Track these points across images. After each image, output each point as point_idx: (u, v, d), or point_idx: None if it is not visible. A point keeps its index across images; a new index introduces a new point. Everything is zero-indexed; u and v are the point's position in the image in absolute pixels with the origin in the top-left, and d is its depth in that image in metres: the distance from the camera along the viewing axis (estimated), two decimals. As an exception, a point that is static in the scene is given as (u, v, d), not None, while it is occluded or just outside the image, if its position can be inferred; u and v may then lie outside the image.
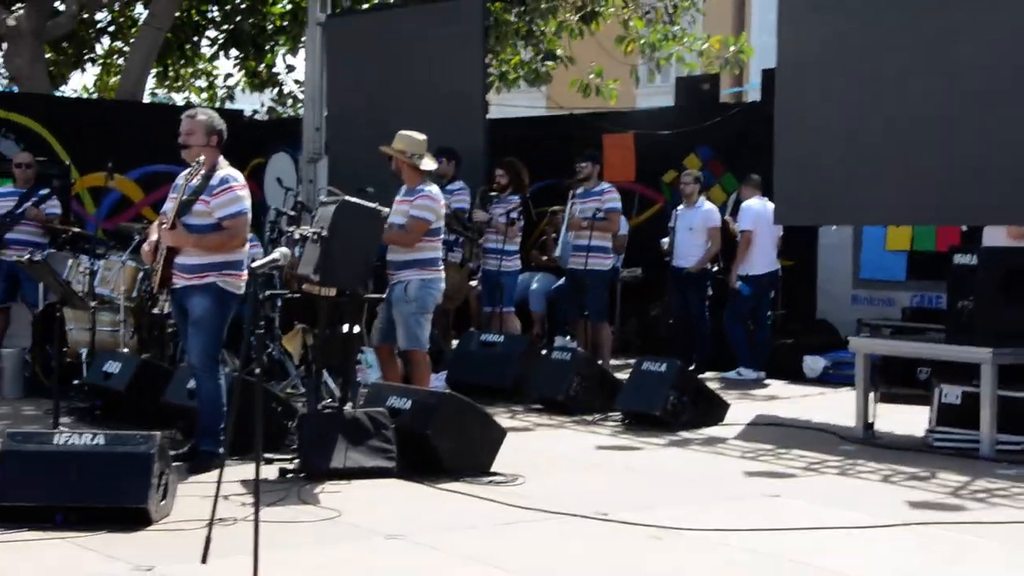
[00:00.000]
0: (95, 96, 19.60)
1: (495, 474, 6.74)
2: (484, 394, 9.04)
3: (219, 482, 4.57)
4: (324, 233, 6.83)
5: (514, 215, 10.82)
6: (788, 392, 10.56)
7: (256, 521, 4.29)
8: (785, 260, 11.58)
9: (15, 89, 15.65)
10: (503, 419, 8.26)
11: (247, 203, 6.73)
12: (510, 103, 21.26)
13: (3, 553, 4.95)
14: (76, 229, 10.38)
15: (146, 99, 16.53)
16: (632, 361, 9.66)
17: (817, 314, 12.26)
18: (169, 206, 6.72)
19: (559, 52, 15.78)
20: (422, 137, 8.31)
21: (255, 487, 4.38)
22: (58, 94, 17.07)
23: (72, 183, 12.83)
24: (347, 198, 7.18)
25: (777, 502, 6.36)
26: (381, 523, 5.63)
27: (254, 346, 4.49)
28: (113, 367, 8.08)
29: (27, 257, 7.09)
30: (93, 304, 7.83)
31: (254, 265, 4.55)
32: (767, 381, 11.05)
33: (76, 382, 8.64)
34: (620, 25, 14.99)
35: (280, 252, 4.64)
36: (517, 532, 5.63)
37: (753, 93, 18.07)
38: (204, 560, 4.34)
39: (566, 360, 9.19)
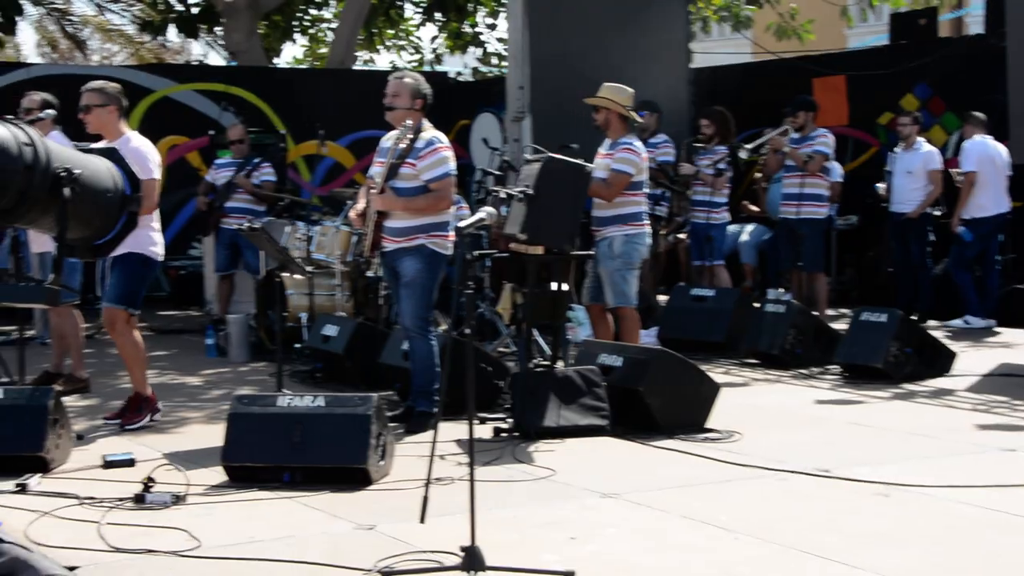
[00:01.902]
0: (307, 66, 20.16)
1: (710, 430, 6.63)
2: (696, 349, 8.92)
3: (434, 442, 4.60)
4: (530, 191, 6.80)
5: (721, 166, 10.58)
6: (1019, 339, 10.01)
7: (472, 480, 4.29)
8: (1016, 201, 10.95)
9: (234, 63, 16.22)
10: (718, 375, 8.12)
11: (453, 164, 6.75)
12: (714, 51, 20.84)
13: (235, 511, 5.13)
14: (291, 196, 10.66)
15: (355, 66, 16.89)
16: (849, 312, 9.34)
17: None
18: (376, 170, 6.81)
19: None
20: (630, 90, 8.19)
21: (469, 446, 4.39)
22: (273, 66, 17.61)
23: (287, 152, 13.21)
24: (552, 155, 7.13)
25: (1014, 456, 6.03)
26: (596, 481, 5.59)
27: (463, 306, 4.48)
28: (331, 330, 8.28)
29: (246, 225, 7.30)
30: (310, 269, 8.03)
31: (460, 225, 4.54)
32: (997, 329, 10.50)
33: (297, 346, 8.91)
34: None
35: (486, 211, 4.62)
36: (734, 490, 5.51)
37: (975, 25, 17.18)
38: (422, 520, 4.38)
39: (781, 312, 8.95)
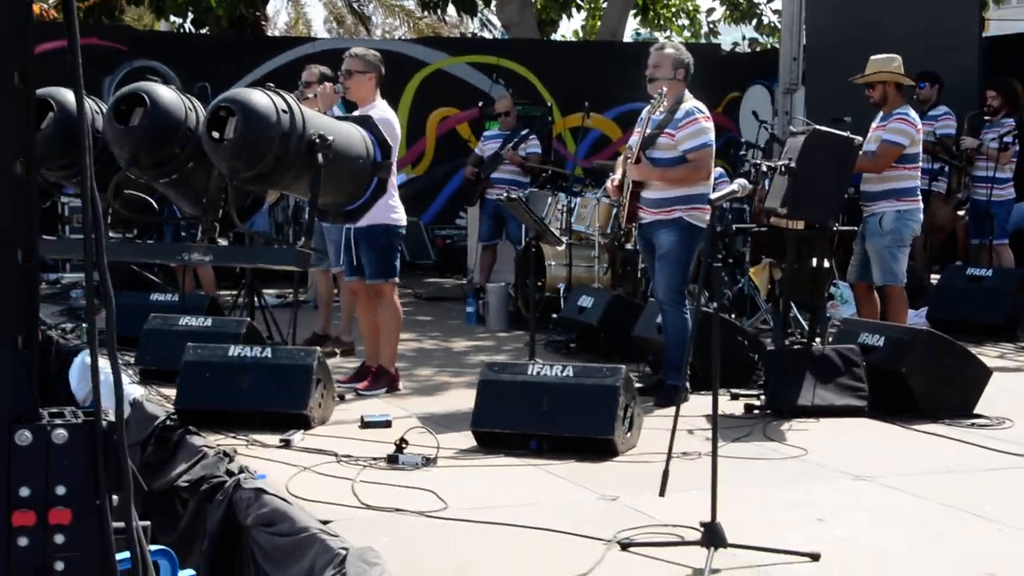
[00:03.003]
0: (579, 40, 20.30)
1: (978, 416, 6.30)
2: (970, 332, 8.49)
3: (676, 416, 4.54)
4: (792, 164, 6.61)
5: (1008, 139, 9.99)
6: None
7: (714, 455, 4.23)
8: None
9: (506, 37, 16.51)
10: (991, 359, 7.70)
11: (711, 135, 6.64)
12: (1013, 18, 19.70)
13: (481, 475, 5.24)
14: (554, 168, 10.76)
15: (628, 39, 16.87)
16: None
17: None
18: (634, 140, 6.77)
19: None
20: (897, 57, 7.84)
21: (713, 420, 4.32)
22: (546, 39, 17.80)
23: (553, 124, 13.34)
24: (818, 127, 6.90)
25: None
26: (849, 463, 5.41)
27: (713, 279, 4.40)
28: (587, 302, 8.32)
29: (505, 195, 7.41)
30: (567, 240, 8.09)
31: (712, 197, 4.45)
32: None
33: (555, 316, 9.00)
34: None
35: (738, 183, 4.51)
36: (1001, 479, 5.22)
37: None
38: (662, 493, 4.33)
39: (1066, 295, 8.40)
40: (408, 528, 4.45)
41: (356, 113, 6.64)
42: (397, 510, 4.62)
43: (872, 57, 7.90)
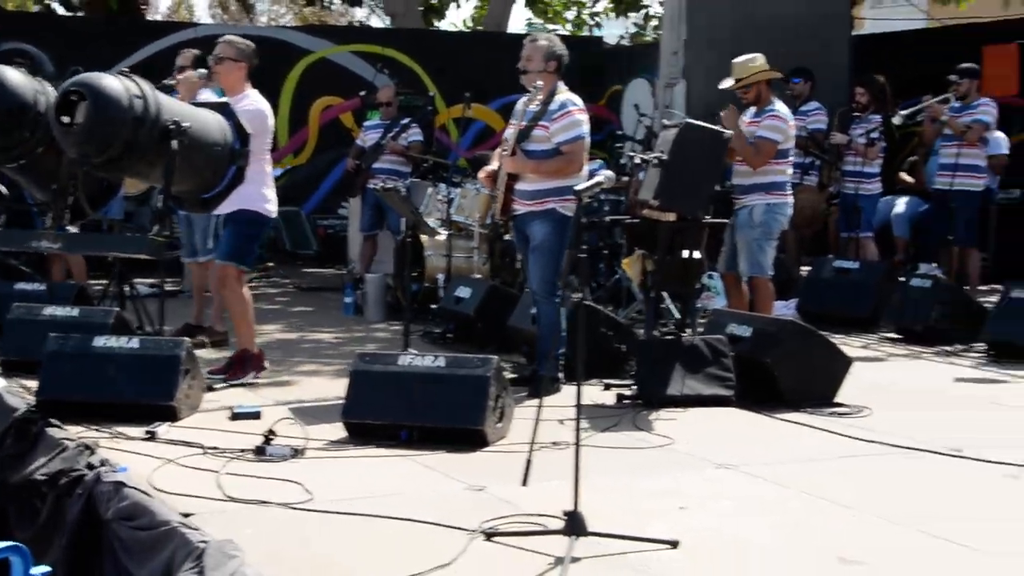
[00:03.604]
0: (465, 30, 20.29)
1: (839, 405, 6.47)
2: (837, 323, 8.72)
3: (539, 405, 4.59)
4: (665, 157, 6.71)
5: (874, 135, 10.27)
6: None
7: (577, 445, 4.27)
8: None
9: (392, 26, 16.42)
10: (855, 350, 7.92)
11: (586, 128, 6.70)
12: (887, 17, 20.22)
13: (350, 466, 5.22)
14: (435, 158, 10.76)
15: (521, 30, 16.91)
16: (1005, 290, 8.97)
17: None
18: (509, 132, 6.81)
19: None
20: (758, 55, 8.01)
21: (576, 409, 4.37)
22: (432, 28, 17.75)
23: (436, 114, 13.32)
24: (690, 121, 7.02)
25: None
26: (715, 452, 5.52)
27: (579, 269, 4.46)
28: (464, 292, 8.34)
29: (381, 185, 7.39)
30: (444, 231, 8.10)
31: (577, 188, 4.50)
32: None
33: (433, 307, 9.00)
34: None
35: (604, 175, 4.56)
36: (859, 466, 5.37)
37: None
38: (525, 482, 4.37)
39: (927, 287, 8.66)
40: (271, 520, 4.43)
41: (224, 100, 6.55)
42: (262, 502, 4.59)
43: (734, 61, 8.06)
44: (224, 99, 6.65)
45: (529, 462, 4.34)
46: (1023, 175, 11.65)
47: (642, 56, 15.70)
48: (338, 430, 5.69)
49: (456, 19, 23.40)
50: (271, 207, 6.90)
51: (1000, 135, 10.82)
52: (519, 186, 6.76)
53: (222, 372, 6.96)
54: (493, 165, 6.96)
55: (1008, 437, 5.85)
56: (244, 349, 6.99)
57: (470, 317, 8.12)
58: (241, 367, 6.93)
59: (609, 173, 4.65)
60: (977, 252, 10.18)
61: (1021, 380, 7.33)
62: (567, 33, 19.45)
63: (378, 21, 23.69)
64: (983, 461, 5.34)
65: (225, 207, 6.61)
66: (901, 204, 12.01)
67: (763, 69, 7.94)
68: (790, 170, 8.07)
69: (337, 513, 4.48)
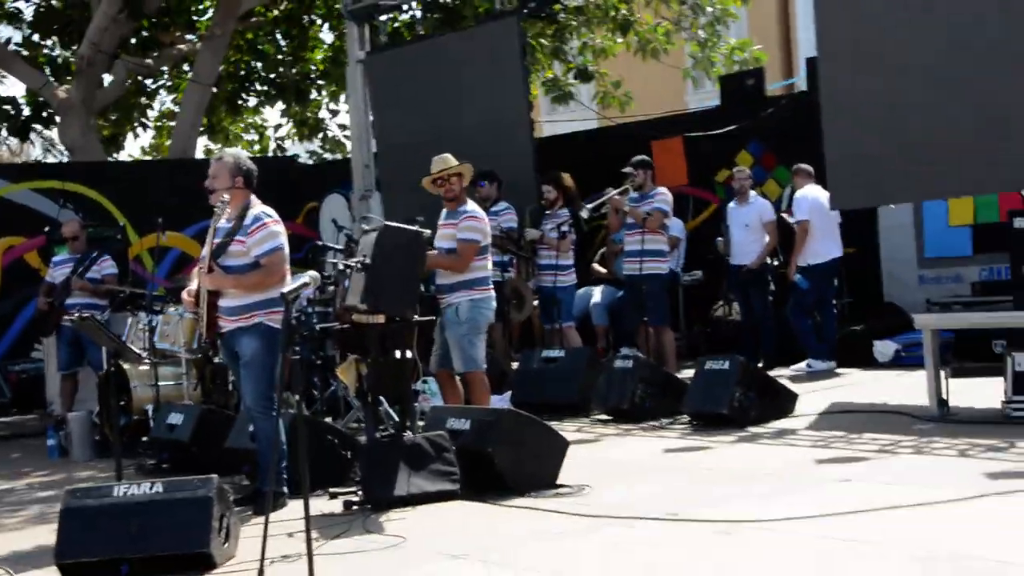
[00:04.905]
0: (150, 158, 19.93)
1: (561, 486, 6.65)
2: (551, 411, 8.98)
3: (267, 518, 4.52)
4: (366, 260, 6.81)
5: (564, 228, 10.76)
6: (859, 379, 10.33)
7: (309, 551, 4.24)
8: (847, 248, 11.32)
9: (65, 159, 15.93)
10: (570, 433, 8.14)
11: (283, 239, 6.73)
12: (562, 118, 21.33)
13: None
14: (131, 288, 10.48)
15: (200, 155, 16.75)
16: (699, 364, 9.51)
17: (885, 298, 12.02)
18: (206, 250, 6.75)
19: (590, 67, 15.93)
20: (449, 156, 8.34)
21: (305, 515, 4.35)
22: (113, 159, 17.35)
23: (129, 245, 13.01)
24: (388, 223, 7.16)
25: (848, 486, 6.20)
26: (447, 544, 5.57)
27: (294, 374, 4.45)
28: (176, 419, 8.13)
29: (76, 315, 7.14)
30: (147, 357, 7.89)
31: (284, 290, 4.53)
32: (838, 370, 10.81)
33: (144, 439, 8.70)
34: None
35: (309, 275, 4.62)
36: (583, 540, 5.53)
37: (802, 84, 17.89)
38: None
39: (628, 368, 9.08)
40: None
41: None
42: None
43: (434, 159, 8.34)
44: None
45: (261, 571, 4.25)
46: (704, 258, 12.47)
47: (335, 172, 15.91)
48: (52, 574, 5.39)
49: (134, 150, 22.89)
50: None
51: (676, 220, 11.55)
52: (223, 303, 6.68)
53: None
54: (193, 284, 6.87)
55: (715, 497, 6.17)
56: None
57: (185, 443, 7.91)
58: None
59: (313, 273, 4.71)
60: (670, 331, 10.76)
61: (721, 444, 7.76)
62: (254, 155, 19.44)
63: (55, 157, 22.92)
64: (697, 521, 5.62)
65: None
66: (597, 294, 12.60)
67: (459, 164, 8.26)
68: (490, 265, 8.34)
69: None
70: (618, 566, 5.03)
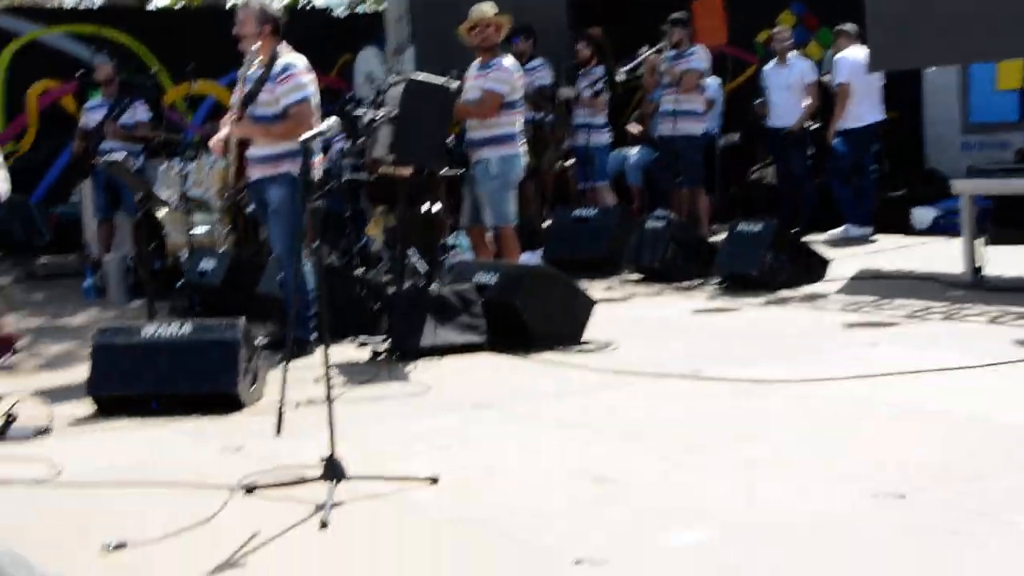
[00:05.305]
0: (182, 6, 19.74)
1: (587, 342, 6.68)
2: (582, 268, 8.99)
3: (287, 363, 4.53)
4: (394, 112, 6.75)
5: (599, 87, 10.61)
6: (895, 245, 10.24)
7: (328, 392, 4.27)
8: (889, 112, 11.11)
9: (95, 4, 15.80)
10: (599, 291, 8.20)
11: (312, 89, 6.66)
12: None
13: (100, 440, 5.07)
14: (165, 134, 10.47)
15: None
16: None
17: (926, 164, 11.84)
18: (236, 98, 6.71)
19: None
20: (490, 9, 8.17)
21: (324, 358, 4.35)
22: (150, 7, 17.21)
23: (162, 92, 12.95)
24: (414, 76, 7.07)
25: (875, 350, 6.18)
26: (470, 394, 5.63)
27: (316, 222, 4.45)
28: (208, 265, 8.19)
29: (104, 158, 7.16)
30: (178, 204, 7.91)
31: (302, 137, 4.49)
32: (874, 236, 10.71)
33: (178, 285, 8.79)
34: None
35: (327, 123, 4.56)
36: (606, 396, 5.57)
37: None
38: (278, 432, 4.32)
39: (661, 227, 9.04)
40: (17, 497, 4.27)
41: None
42: (6, 482, 4.40)
43: (473, 8, 8.18)
44: None
45: (281, 412, 4.30)
46: (742, 120, 12.28)
47: (370, 25, 15.68)
48: (86, 407, 5.51)
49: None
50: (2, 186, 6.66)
51: (712, 81, 11.35)
52: (251, 152, 6.68)
53: None
54: (223, 132, 6.84)
55: (739, 358, 6.18)
56: None
57: (216, 289, 7.98)
58: None
59: (332, 121, 4.63)
60: (704, 192, 10.67)
61: (750, 306, 7.76)
62: (291, 4, 19.18)
63: (89, 2, 22.73)
64: (718, 380, 5.64)
65: None
66: (633, 154, 12.47)
67: (494, 14, 8.11)
68: (520, 121, 8.24)
69: (88, 484, 4.35)
70: (639, 421, 5.06)
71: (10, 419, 5.09)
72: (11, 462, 4.67)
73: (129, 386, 5.47)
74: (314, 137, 4.49)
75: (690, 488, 4.09)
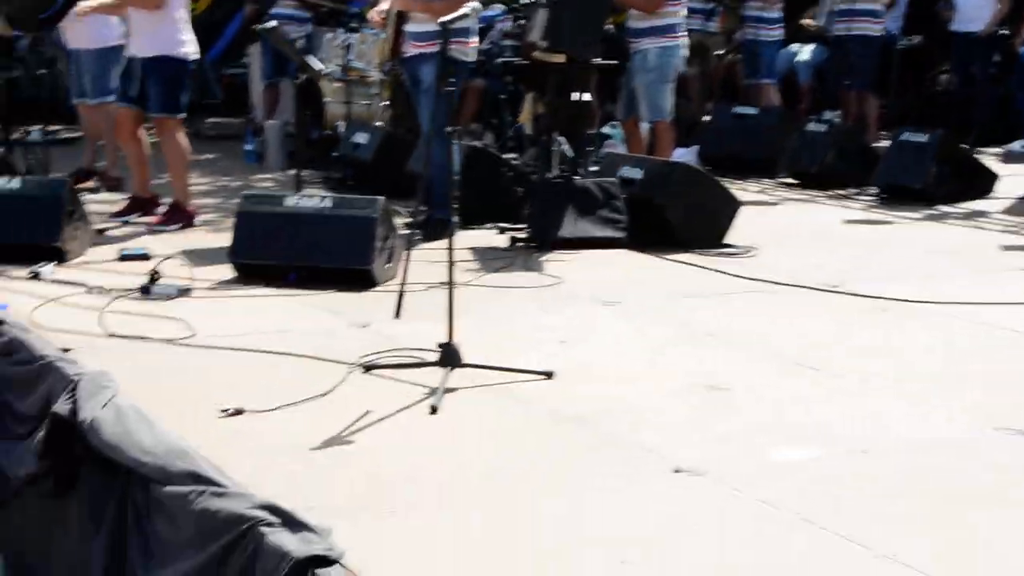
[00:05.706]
0: None
1: (728, 246, 6.57)
2: (737, 168, 8.81)
3: (409, 250, 4.56)
4: (553, -2, 6.65)
5: (773, -23, 10.22)
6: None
7: (450, 279, 4.31)
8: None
9: None
10: (751, 193, 8.04)
11: (471, -31, 6.59)
12: None
13: (236, 305, 5.26)
14: (332, 4, 10.53)
15: None
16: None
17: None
18: (398, -29, 6.69)
19: None
20: None
21: (449, 244, 4.39)
22: None
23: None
24: (577, -37, 6.93)
25: (1026, 277, 5.94)
26: (601, 290, 5.61)
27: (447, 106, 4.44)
28: (362, 138, 8.29)
29: (262, 25, 7.24)
30: (337, 75, 7.97)
31: (442, 19, 4.47)
32: (1054, 154, 10.18)
33: (334, 154, 8.93)
34: None
35: (470, 6, 4.53)
36: (737, 302, 5.50)
37: None
38: (397, 315, 4.39)
39: (823, 131, 8.76)
40: (152, 355, 4.46)
41: None
42: (142, 338, 4.61)
43: None
44: None
45: (401, 295, 4.34)
46: (926, 22, 11.73)
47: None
48: (227, 271, 5.70)
49: None
50: (188, 49, 6.86)
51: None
52: (409, 27, 6.67)
53: (128, 213, 6.91)
54: (384, 5, 6.85)
55: (883, 273, 6.01)
56: (177, 201, 6.98)
57: (367, 163, 8.09)
58: (171, 216, 6.93)
59: (475, 4, 4.59)
60: (874, 97, 10.28)
61: (907, 221, 7.50)
62: None
63: None
64: (856, 295, 5.50)
65: (141, 53, 6.55)
66: (805, 52, 12.03)
67: None
68: (684, 12, 8.02)
69: (217, 348, 4.53)
70: (765, 331, 4.98)
71: (155, 277, 5.30)
72: (151, 319, 4.88)
73: (269, 255, 5.62)
74: (453, 20, 4.47)
75: (805, 405, 4.04)
